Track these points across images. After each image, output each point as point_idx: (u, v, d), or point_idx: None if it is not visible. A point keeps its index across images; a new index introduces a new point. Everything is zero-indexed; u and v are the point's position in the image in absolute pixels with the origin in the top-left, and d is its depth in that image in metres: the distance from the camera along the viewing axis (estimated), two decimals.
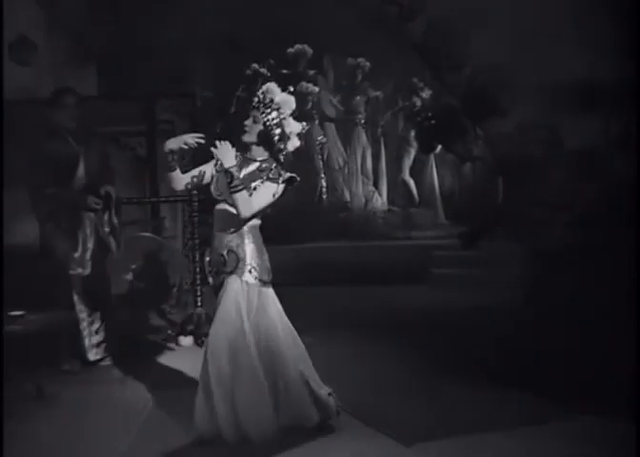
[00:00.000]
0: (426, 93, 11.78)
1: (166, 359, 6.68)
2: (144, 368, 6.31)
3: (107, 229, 6.44)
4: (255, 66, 11.81)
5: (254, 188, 4.66)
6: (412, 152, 11.98)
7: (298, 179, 4.76)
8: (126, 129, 8.62)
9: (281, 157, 4.81)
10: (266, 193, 4.68)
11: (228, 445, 4.52)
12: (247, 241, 4.74)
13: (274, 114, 4.72)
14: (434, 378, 5.90)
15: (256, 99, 4.78)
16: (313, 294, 9.26)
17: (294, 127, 4.79)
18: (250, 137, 4.77)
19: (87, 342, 6.35)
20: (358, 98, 12.17)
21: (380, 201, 12.02)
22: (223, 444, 4.53)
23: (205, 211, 7.62)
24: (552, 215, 6.75)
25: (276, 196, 4.70)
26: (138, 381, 5.96)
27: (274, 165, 4.74)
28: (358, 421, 5.05)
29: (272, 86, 4.79)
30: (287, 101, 4.77)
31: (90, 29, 10.14)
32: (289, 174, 4.72)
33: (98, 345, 6.40)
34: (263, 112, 4.71)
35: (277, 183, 4.69)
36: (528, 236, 7.50)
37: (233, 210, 4.68)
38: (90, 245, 6.38)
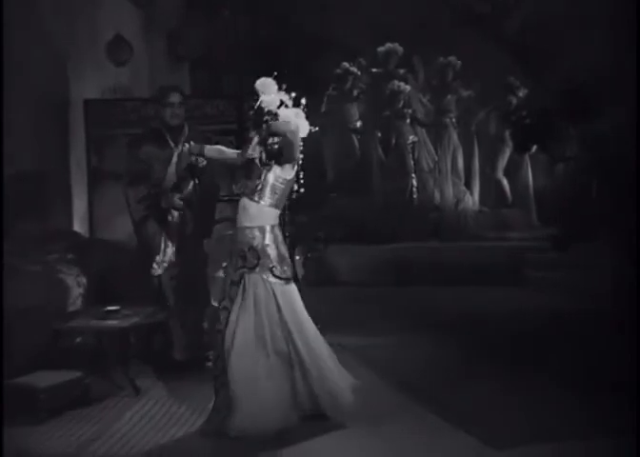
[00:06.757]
0: (522, 92, 11.58)
1: None
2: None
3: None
4: (345, 64, 11.81)
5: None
6: (508, 152, 11.75)
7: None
8: (216, 128, 8.70)
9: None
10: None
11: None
12: (268, 238, 4.83)
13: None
14: (523, 381, 5.83)
15: None
16: (402, 294, 9.22)
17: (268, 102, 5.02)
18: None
19: (176, 340, 6.34)
20: (449, 97, 12.01)
21: (471, 201, 11.86)
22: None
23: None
24: None
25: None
26: None
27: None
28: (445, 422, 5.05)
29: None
30: (264, 84, 5.05)
31: (184, 29, 10.28)
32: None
33: (187, 343, 6.36)
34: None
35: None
36: (621, 238, 7.35)
37: (255, 205, 4.86)
38: (172, 247, 6.37)
